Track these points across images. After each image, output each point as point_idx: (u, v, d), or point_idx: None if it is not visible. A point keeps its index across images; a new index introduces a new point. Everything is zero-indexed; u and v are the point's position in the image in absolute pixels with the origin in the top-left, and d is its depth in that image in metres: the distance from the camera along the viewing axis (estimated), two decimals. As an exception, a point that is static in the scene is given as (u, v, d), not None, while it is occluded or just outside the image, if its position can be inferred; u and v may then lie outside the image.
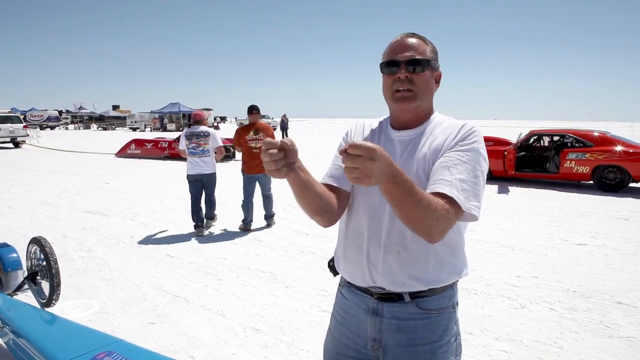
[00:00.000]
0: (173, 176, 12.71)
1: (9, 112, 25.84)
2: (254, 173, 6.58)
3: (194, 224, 6.52)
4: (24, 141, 24.04)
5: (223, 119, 55.78)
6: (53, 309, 3.48)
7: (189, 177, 6.52)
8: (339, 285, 1.58)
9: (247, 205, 6.72)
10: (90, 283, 4.55)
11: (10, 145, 23.60)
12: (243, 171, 6.70)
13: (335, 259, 1.56)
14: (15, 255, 4.06)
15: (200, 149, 6.42)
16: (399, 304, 1.40)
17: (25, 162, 16.36)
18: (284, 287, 4.46)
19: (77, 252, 5.55)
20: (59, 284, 3.51)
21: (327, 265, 1.62)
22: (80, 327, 2.80)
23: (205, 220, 6.65)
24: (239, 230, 6.68)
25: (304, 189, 1.33)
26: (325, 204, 1.41)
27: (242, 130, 6.65)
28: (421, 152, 1.37)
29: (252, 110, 6.59)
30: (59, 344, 2.40)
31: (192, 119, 6.71)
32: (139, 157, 17.92)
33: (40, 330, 2.71)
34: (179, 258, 5.36)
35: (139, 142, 18.62)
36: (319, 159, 17.75)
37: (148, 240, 6.13)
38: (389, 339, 1.42)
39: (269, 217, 6.97)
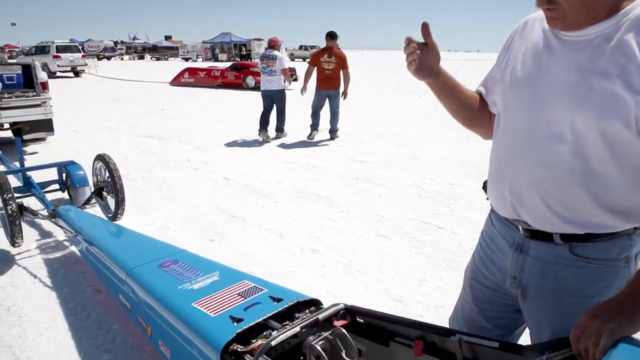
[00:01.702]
0: (226, 104, 12.79)
1: (69, 42, 26.49)
2: (323, 89, 7.59)
3: (259, 129, 7.80)
4: (83, 70, 24.76)
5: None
6: (118, 223, 3.62)
7: (261, 92, 7.93)
8: (490, 209, 1.40)
9: (315, 116, 7.79)
10: (152, 201, 4.69)
11: (71, 74, 24.37)
12: (316, 88, 7.68)
13: (487, 185, 1.37)
14: (82, 172, 4.22)
15: (269, 69, 7.69)
16: (547, 244, 1.16)
17: (86, 90, 16.90)
18: (340, 212, 4.43)
19: (138, 172, 5.72)
20: (123, 199, 3.62)
21: (481, 186, 1.43)
22: (147, 238, 2.88)
23: (275, 132, 7.98)
24: (299, 147, 6.66)
25: (445, 95, 1.33)
26: (471, 115, 1.35)
27: (318, 53, 7.71)
28: (607, 65, 0.98)
29: (329, 35, 7.54)
30: (128, 252, 2.47)
31: (267, 44, 8.15)
32: (192, 86, 18.08)
33: (110, 240, 2.81)
34: (235, 181, 5.42)
35: (192, 71, 18.73)
36: (371, 89, 17.00)
37: (204, 163, 6.23)
38: (530, 281, 1.22)
39: (333, 131, 7.86)
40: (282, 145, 7.47)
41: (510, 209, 1.20)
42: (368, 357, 1.56)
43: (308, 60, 8.19)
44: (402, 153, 6.77)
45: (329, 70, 7.49)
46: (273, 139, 7.90)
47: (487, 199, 1.42)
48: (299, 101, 8.86)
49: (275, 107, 7.85)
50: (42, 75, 6.80)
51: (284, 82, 7.83)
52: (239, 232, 3.93)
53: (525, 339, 1.40)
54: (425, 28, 1.25)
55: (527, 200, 1.15)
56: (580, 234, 1.11)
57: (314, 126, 7.83)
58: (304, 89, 7.76)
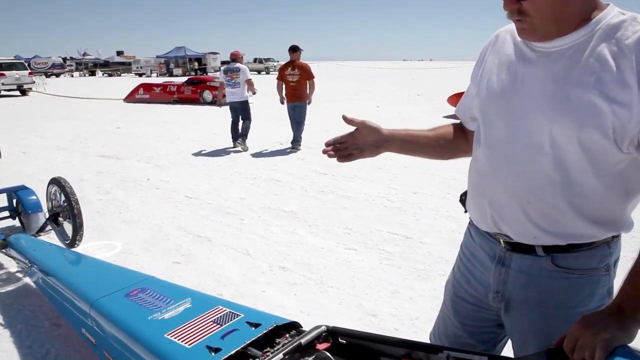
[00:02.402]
0: (184, 119, 12.55)
1: (14, 59, 25.38)
2: (290, 102, 7.92)
3: (232, 140, 8.30)
4: (30, 88, 23.74)
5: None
6: (77, 250, 3.44)
7: (228, 104, 8.34)
8: (469, 222, 1.38)
9: (293, 126, 8.08)
10: (112, 224, 4.50)
11: (17, 92, 23.33)
12: (281, 101, 8.09)
13: (467, 198, 1.36)
14: (34, 197, 4.01)
15: (233, 81, 8.05)
16: (530, 257, 1.15)
17: (34, 109, 16.20)
18: (307, 226, 4.38)
19: (95, 194, 5.49)
20: (81, 224, 3.45)
21: (459, 199, 1.42)
22: (109, 265, 2.74)
23: (239, 138, 8.24)
24: (262, 161, 6.58)
25: (409, 150, 1.36)
26: (449, 148, 1.37)
27: (283, 67, 7.98)
28: (583, 75, 0.98)
29: (291, 49, 7.86)
30: (90, 282, 2.33)
31: (230, 57, 8.36)
32: (148, 102, 17.67)
33: (69, 269, 2.66)
34: (198, 199, 5.28)
35: (147, 87, 18.32)
36: (330, 100, 17.09)
37: (165, 182, 6.05)
38: (514, 294, 1.20)
39: (296, 141, 8.09)
40: (245, 160, 7.38)
41: (491, 223, 1.20)
42: (352, 379, 1.52)
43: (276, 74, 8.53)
44: (364, 164, 6.80)
45: (294, 83, 7.81)
46: (235, 147, 8.31)
47: (466, 211, 1.42)
48: (267, 115, 8.79)
49: (240, 117, 8.27)
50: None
51: (248, 93, 8.20)
52: (205, 252, 3.82)
53: (506, 353, 1.39)
54: (346, 120, 1.30)
55: (508, 214, 1.14)
56: (562, 244, 1.11)
57: (294, 140, 8.14)
58: (281, 101, 8.13)
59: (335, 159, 1.29)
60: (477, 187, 1.24)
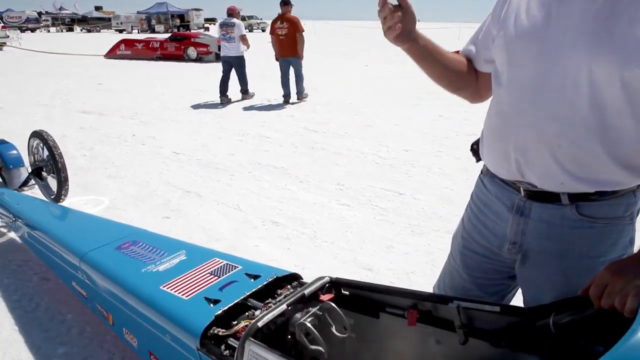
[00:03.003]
0: (168, 76, 12.19)
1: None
2: (283, 57, 7.89)
3: (220, 95, 8.27)
4: (4, 43, 22.81)
5: (213, 20, 52.99)
6: (63, 205, 3.33)
7: (221, 58, 8.46)
8: (481, 171, 1.31)
9: (284, 83, 8.05)
10: (97, 180, 4.38)
11: (-9, 47, 22.39)
12: (276, 57, 8.04)
13: (480, 141, 1.27)
14: (15, 152, 3.87)
15: (228, 36, 8.08)
16: (552, 205, 1.09)
17: (9, 64, 15.57)
18: (299, 182, 4.31)
19: (79, 150, 5.32)
20: (66, 179, 3.34)
21: (469, 148, 1.34)
22: (98, 218, 2.66)
23: (241, 94, 8.53)
24: (250, 118, 6.44)
25: (425, 60, 1.24)
26: (456, 79, 1.28)
27: (274, 21, 7.90)
28: (629, 8, 0.90)
29: (282, 2, 7.74)
30: (80, 235, 2.25)
31: (227, 12, 8.32)
32: (130, 58, 17.12)
33: (56, 223, 2.56)
34: (186, 155, 5.16)
35: (128, 43, 17.72)
36: (319, 59, 16.73)
37: (151, 138, 5.89)
38: (532, 245, 1.15)
39: (300, 92, 8.23)
40: (232, 117, 7.21)
41: (514, 169, 1.12)
42: (357, 330, 1.48)
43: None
44: (355, 121, 6.70)
45: (282, 36, 7.76)
46: (239, 100, 8.45)
47: (478, 161, 1.35)
48: (253, 72, 8.54)
49: (235, 72, 8.31)
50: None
51: (242, 48, 8.17)
52: (195, 207, 3.74)
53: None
54: None
55: (535, 159, 1.07)
56: (588, 192, 1.05)
57: (285, 95, 8.15)
58: (276, 57, 8.09)
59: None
60: (499, 132, 1.15)
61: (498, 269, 1.30)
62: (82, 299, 2.12)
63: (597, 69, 0.92)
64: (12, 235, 3.17)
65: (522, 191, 1.15)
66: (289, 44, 7.78)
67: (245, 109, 7.86)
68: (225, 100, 8.23)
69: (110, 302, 1.82)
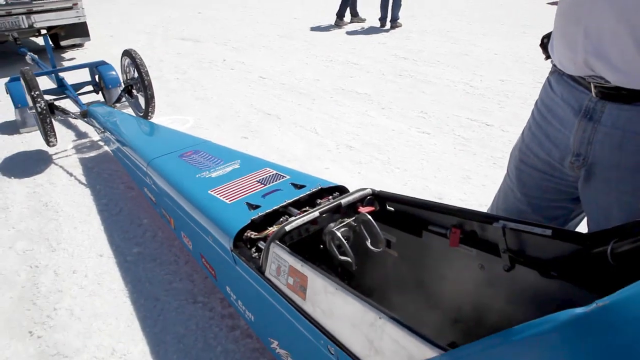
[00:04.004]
0: (264, 4, 12.16)
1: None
2: None
3: (335, 18, 8.19)
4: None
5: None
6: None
7: None
8: (550, 71, 1.11)
9: (383, 4, 7.69)
10: (186, 102, 4.56)
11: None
12: None
13: (552, 34, 1.06)
14: (114, 72, 4.11)
15: None
16: (630, 107, 0.88)
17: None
18: (380, 108, 4.15)
19: (173, 74, 5.56)
20: (152, 96, 3.49)
21: (539, 43, 1.14)
22: (172, 131, 2.77)
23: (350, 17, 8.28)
24: (340, 44, 6.28)
25: None
26: None
27: None
28: None
29: None
30: (151, 145, 2.36)
31: None
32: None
33: (136, 135, 2.71)
34: (272, 79, 5.17)
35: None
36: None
37: (240, 63, 5.97)
38: (600, 157, 0.95)
39: (394, 20, 7.73)
40: (322, 43, 7.05)
41: (583, 61, 0.92)
42: (398, 248, 1.40)
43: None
44: (450, 49, 6.23)
45: None
46: (347, 23, 8.24)
47: (546, 59, 1.14)
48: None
49: None
50: (71, -24, 6.52)
51: None
52: (273, 129, 3.77)
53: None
54: None
55: (610, 45, 0.85)
56: None
57: (382, 18, 7.82)
58: None
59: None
60: (569, 12, 0.94)
61: (559, 189, 1.12)
62: (152, 204, 2.25)
63: None
64: (106, 148, 3.45)
65: (593, 90, 0.93)
66: None
67: (336, 35, 7.62)
68: (340, 23, 8.10)
69: (171, 207, 1.90)
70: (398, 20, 7.78)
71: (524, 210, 1.23)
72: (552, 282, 1.05)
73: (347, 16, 8.27)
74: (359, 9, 8.39)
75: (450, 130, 3.60)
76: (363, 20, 8.28)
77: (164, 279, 2.09)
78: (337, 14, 8.11)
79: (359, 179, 2.91)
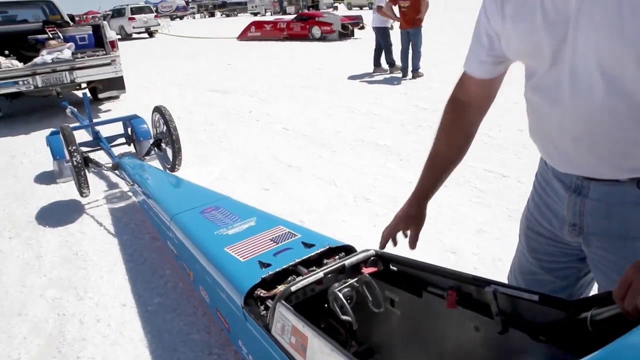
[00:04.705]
0: (291, 55, 12.66)
1: (143, 4, 27.39)
2: (404, 28, 7.73)
3: (374, 65, 8.72)
4: (156, 30, 25.53)
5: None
6: (177, 174, 3.72)
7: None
8: None
9: (404, 55, 7.95)
10: (212, 153, 4.78)
11: (146, 35, 25.22)
12: (399, 27, 7.89)
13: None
14: (145, 126, 4.35)
15: (374, 6, 8.36)
16: (611, 183, 0.99)
17: (158, 49, 17.45)
18: (399, 160, 4.25)
19: (201, 125, 5.84)
20: (180, 150, 3.69)
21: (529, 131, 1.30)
22: (197, 186, 2.91)
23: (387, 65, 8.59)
24: (362, 94, 6.48)
25: (445, 177, 1.36)
26: (467, 138, 1.27)
27: None
28: None
29: None
30: (175, 200, 2.51)
31: None
32: (259, 39, 18.07)
33: (162, 188, 2.87)
34: (294, 131, 5.37)
35: (258, 25, 18.68)
36: (442, 31, 15.90)
37: (265, 115, 6.22)
38: (592, 227, 1.05)
39: (415, 70, 7.97)
40: (345, 93, 7.29)
41: (561, 165, 1.05)
42: (401, 307, 1.47)
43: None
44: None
45: (405, 8, 7.61)
46: (387, 72, 8.59)
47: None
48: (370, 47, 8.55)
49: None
50: (110, 34, 7.02)
51: (384, 19, 8.17)
52: (294, 181, 3.91)
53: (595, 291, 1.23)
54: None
55: (576, 157, 0.98)
56: None
57: (403, 68, 8.09)
58: (396, 20, 8.10)
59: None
60: (537, 128, 1.09)
61: (565, 252, 1.19)
62: (174, 256, 2.37)
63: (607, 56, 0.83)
64: (135, 198, 3.63)
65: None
66: (411, 16, 7.57)
67: (359, 85, 7.87)
68: (378, 70, 8.56)
69: (190, 261, 2.01)
70: (419, 70, 7.98)
71: (536, 272, 1.30)
72: (541, 345, 1.10)
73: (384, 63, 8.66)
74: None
75: (466, 182, 3.66)
76: (399, 68, 8.40)
77: (182, 329, 2.18)
78: (373, 63, 8.63)
79: (374, 232, 2.98)
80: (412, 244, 1.31)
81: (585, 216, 1.05)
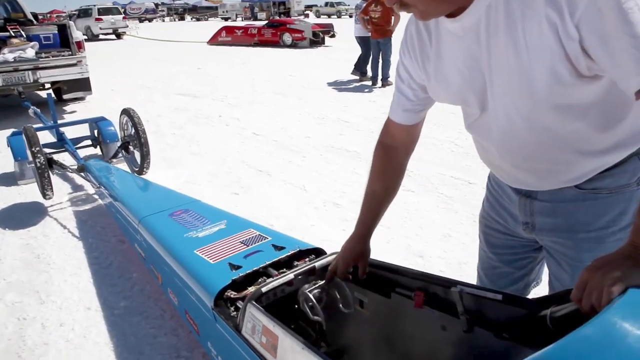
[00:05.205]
0: (261, 61, 12.66)
1: (110, 5, 26.86)
2: (375, 38, 7.88)
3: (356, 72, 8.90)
4: (124, 32, 25.06)
5: (312, 6, 53.90)
6: (146, 177, 3.66)
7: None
8: None
9: (374, 64, 8.15)
10: (181, 157, 4.72)
11: (113, 36, 24.73)
12: (370, 37, 8.06)
13: None
14: (112, 128, 4.27)
15: (355, 17, 8.56)
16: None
17: (125, 52, 17.13)
18: (368, 166, 4.28)
19: (170, 129, 5.77)
20: (148, 153, 3.64)
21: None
22: (166, 189, 2.88)
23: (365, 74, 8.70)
24: (332, 102, 6.53)
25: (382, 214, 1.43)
26: (399, 173, 1.36)
27: (369, 3, 7.84)
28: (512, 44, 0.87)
29: None
30: (143, 202, 2.48)
31: None
32: (230, 45, 17.99)
33: (129, 191, 2.83)
34: (264, 136, 5.37)
35: (229, 30, 18.61)
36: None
37: (235, 119, 6.20)
38: (542, 223, 1.14)
39: (385, 79, 8.10)
40: (316, 101, 7.34)
41: (509, 181, 1.16)
42: (369, 308, 1.50)
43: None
44: (438, 108, 6.47)
45: (375, 19, 7.73)
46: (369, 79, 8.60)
47: None
48: (339, 57, 8.63)
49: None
50: (77, 35, 6.86)
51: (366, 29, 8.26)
52: (264, 186, 3.91)
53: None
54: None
55: (520, 177, 1.11)
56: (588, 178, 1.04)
57: (373, 77, 8.28)
58: (368, 30, 8.12)
59: None
60: (483, 155, 1.20)
61: (522, 244, 1.28)
62: (142, 259, 2.34)
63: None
64: (101, 201, 3.55)
65: None
66: (381, 27, 7.72)
67: (329, 92, 7.94)
68: (363, 79, 8.67)
69: (159, 264, 1.99)
70: (389, 79, 8.12)
71: (496, 266, 1.38)
72: (505, 343, 1.15)
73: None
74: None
75: (434, 188, 3.75)
76: (369, 78, 8.61)
77: (149, 332, 2.15)
78: (359, 71, 8.84)
79: (343, 236, 3.00)
80: (362, 276, 1.39)
81: (535, 215, 1.15)
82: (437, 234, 3.02)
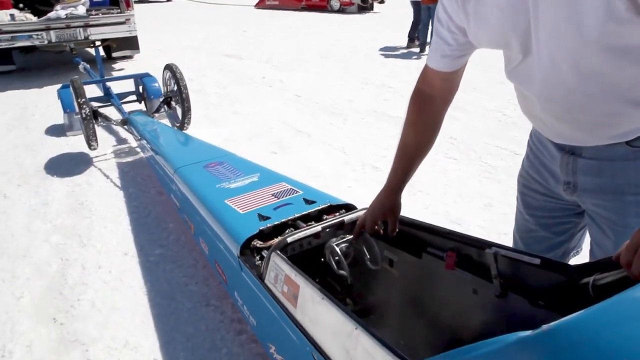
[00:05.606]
0: (307, 26, 12.45)
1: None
2: (426, 3, 7.60)
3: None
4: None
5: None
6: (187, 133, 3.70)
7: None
8: None
9: (423, 30, 7.84)
10: (223, 115, 4.74)
11: (163, -2, 24.90)
12: (422, 2, 7.79)
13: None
14: (156, 84, 4.33)
15: None
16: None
17: (175, 13, 17.26)
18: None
19: (214, 88, 5.79)
20: (189, 109, 3.66)
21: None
22: (204, 143, 2.90)
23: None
24: (377, 67, 6.38)
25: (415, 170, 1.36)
26: (433, 134, 1.30)
27: None
28: None
29: None
30: (180, 154, 2.49)
31: None
32: (277, 9, 17.77)
33: (167, 143, 2.86)
34: (306, 98, 5.31)
35: (277, -7, 18.33)
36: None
37: (278, 81, 6.15)
38: (586, 184, 1.05)
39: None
40: (360, 66, 7.17)
41: (552, 136, 1.07)
42: (399, 267, 1.45)
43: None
44: (488, 77, 6.21)
45: None
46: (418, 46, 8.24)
47: None
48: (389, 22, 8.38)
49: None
50: (126, -8, 6.92)
51: None
52: (303, 146, 3.87)
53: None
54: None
55: (564, 131, 1.01)
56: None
57: (422, 44, 7.99)
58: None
59: None
60: (526, 107, 1.12)
61: (562, 207, 1.19)
62: (177, 209, 2.37)
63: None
64: (143, 154, 3.63)
65: None
66: None
67: (376, 57, 7.74)
68: (411, 45, 8.29)
69: (192, 213, 2.01)
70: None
71: (532, 229, 1.30)
72: (540, 311, 1.07)
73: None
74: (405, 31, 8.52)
75: (478, 157, 3.60)
76: (417, 46, 8.27)
77: (182, 280, 2.19)
78: (408, 37, 8.43)
79: (379, 200, 2.95)
80: (392, 233, 1.31)
81: (577, 174, 1.05)
82: (477, 203, 2.91)
